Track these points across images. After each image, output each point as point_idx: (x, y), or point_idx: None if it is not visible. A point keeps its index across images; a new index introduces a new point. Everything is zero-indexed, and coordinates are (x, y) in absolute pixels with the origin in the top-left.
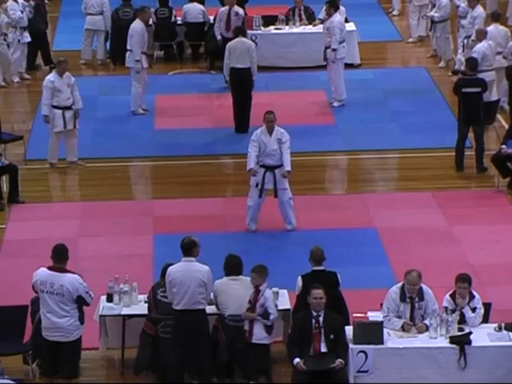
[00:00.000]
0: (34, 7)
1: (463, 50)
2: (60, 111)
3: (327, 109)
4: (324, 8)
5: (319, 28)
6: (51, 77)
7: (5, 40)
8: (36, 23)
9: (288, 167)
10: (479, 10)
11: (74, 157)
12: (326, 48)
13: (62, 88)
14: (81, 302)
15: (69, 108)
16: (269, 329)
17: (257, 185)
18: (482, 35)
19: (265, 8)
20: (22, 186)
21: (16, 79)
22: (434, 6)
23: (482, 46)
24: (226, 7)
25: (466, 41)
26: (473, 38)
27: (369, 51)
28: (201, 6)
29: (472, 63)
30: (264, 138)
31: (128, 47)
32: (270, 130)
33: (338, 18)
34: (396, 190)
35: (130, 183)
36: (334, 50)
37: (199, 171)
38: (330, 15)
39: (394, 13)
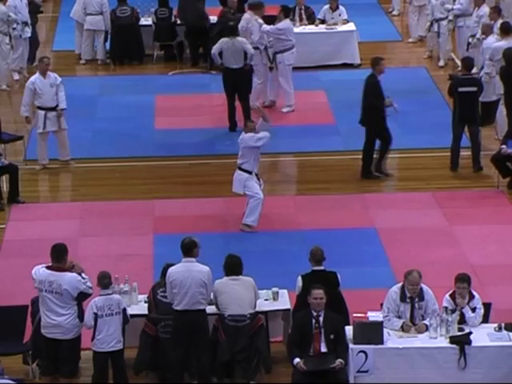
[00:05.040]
0: (190, 2)
1: (467, 49)
2: (43, 112)
3: (327, 109)
4: (277, 13)
5: (319, 28)
6: (33, 77)
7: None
8: (197, 19)
9: None
10: (485, 8)
11: (65, 155)
12: (276, 53)
13: (44, 89)
14: (83, 296)
15: (53, 109)
16: None
17: None
18: (488, 30)
19: (265, 8)
20: (22, 186)
21: (16, 76)
22: None
23: (490, 41)
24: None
25: (470, 39)
26: (478, 36)
27: (369, 51)
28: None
29: (468, 63)
30: None
31: None
32: None
33: (288, 22)
34: (396, 190)
35: (130, 183)
36: (283, 51)
37: (199, 171)
38: (280, 20)
39: (394, 13)
